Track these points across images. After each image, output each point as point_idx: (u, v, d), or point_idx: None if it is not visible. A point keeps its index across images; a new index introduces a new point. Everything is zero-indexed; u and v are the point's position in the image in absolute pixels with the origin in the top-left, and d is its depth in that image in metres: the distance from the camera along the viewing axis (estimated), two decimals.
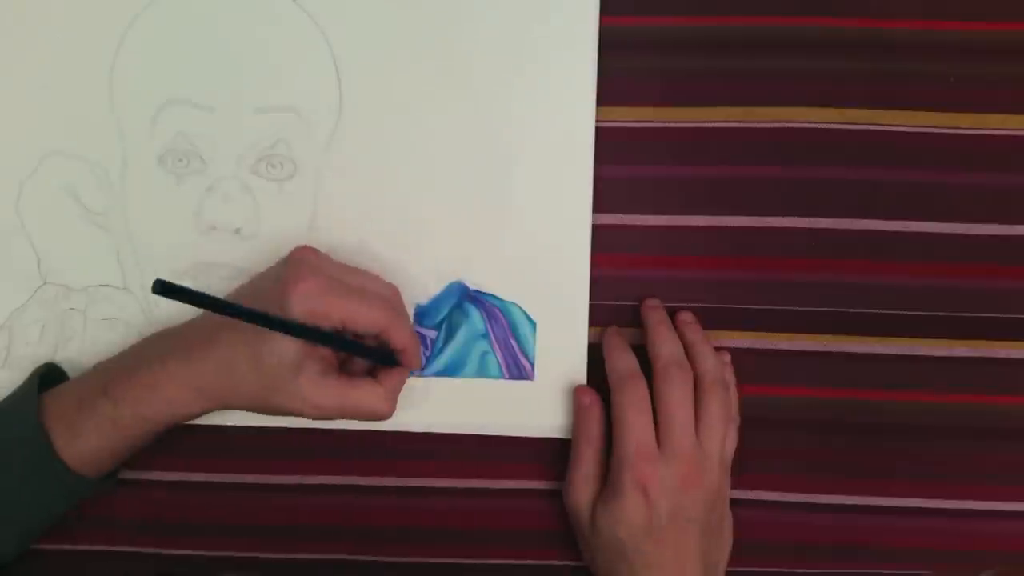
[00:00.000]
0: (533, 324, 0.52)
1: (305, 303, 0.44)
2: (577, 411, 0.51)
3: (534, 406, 0.52)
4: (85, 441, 0.45)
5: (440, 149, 0.52)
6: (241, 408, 0.47)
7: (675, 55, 0.53)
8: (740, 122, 0.53)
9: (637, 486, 0.46)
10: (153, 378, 0.45)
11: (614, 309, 0.52)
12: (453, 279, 0.52)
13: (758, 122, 0.53)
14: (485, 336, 0.52)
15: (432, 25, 0.52)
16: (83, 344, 0.52)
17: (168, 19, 0.52)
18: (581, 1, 0.52)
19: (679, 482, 0.47)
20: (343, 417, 0.46)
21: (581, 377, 0.52)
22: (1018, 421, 0.52)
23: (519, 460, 0.52)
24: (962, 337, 0.52)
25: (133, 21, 0.52)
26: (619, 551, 0.47)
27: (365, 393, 0.46)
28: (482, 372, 0.52)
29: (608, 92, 0.52)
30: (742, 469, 0.51)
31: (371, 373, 0.48)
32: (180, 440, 0.51)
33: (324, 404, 0.45)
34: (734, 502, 0.51)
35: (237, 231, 0.52)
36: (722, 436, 0.48)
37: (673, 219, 0.53)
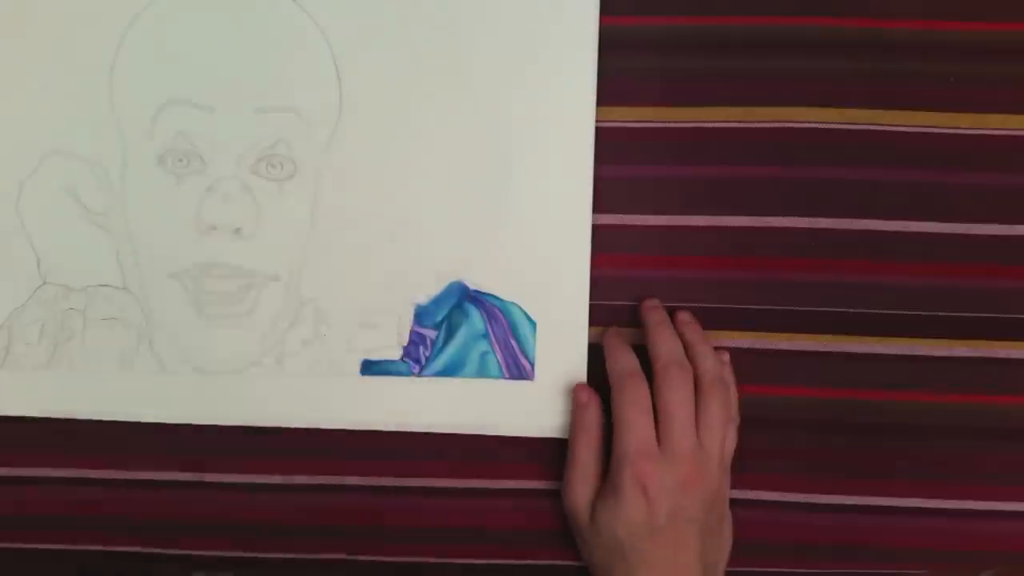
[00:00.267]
0: (533, 324, 0.52)
1: None
2: (575, 409, 0.51)
3: (534, 406, 0.52)
4: None
5: (440, 149, 0.52)
6: None
7: (675, 55, 0.53)
8: (740, 122, 0.53)
9: (637, 485, 0.46)
10: None
11: (614, 309, 0.52)
12: (453, 279, 0.52)
13: (758, 122, 0.53)
14: (485, 336, 0.52)
15: (432, 25, 0.52)
16: (83, 344, 0.52)
17: (168, 19, 0.52)
18: (581, 1, 0.52)
19: (679, 482, 0.47)
20: None
21: (581, 377, 0.52)
22: (1018, 421, 0.52)
23: (519, 460, 0.52)
24: (962, 337, 0.52)
25: (133, 21, 0.52)
26: (618, 550, 0.47)
27: None
28: (482, 372, 0.52)
29: (608, 92, 0.52)
30: (742, 469, 0.51)
31: None
32: (178, 440, 0.51)
33: None
34: (734, 502, 0.51)
35: (237, 231, 0.52)
36: (722, 436, 0.48)
37: (673, 219, 0.53)
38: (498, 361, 0.52)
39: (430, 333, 0.52)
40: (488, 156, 0.52)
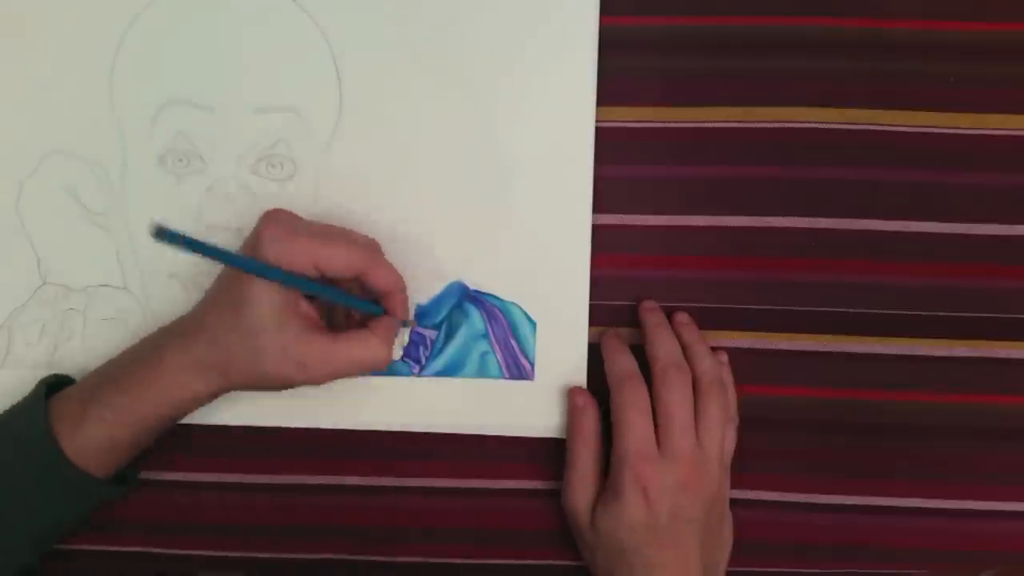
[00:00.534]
0: (533, 324, 0.52)
1: (274, 245, 0.44)
2: (571, 412, 0.51)
3: (534, 406, 0.52)
4: (90, 438, 0.45)
5: (440, 149, 0.52)
6: (240, 385, 0.46)
7: (675, 55, 0.53)
8: (740, 122, 0.53)
9: (637, 487, 0.46)
10: (152, 368, 0.46)
11: (614, 309, 0.52)
12: (453, 279, 0.52)
13: (758, 122, 0.53)
14: (485, 336, 0.52)
15: (432, 25, 0.52)
16: (83, 344, 0.52)
17: (168, 19, 0.52)
18: (581, 1, 0.52)
19: (679, 483, 0.47)
20: (340, 374, 0.46)
21: (581, 377, 0.52)
22: (1018, 421, 0.52)
23: (519, 460, 0.52)
24: (962, 337, 0.52)
25: (133, 21, 0.52)
26: (619, 552, 0.47)
27: (355, 342, 0.46)
28: (482, 372, 0.52)
29: (608, 92, 0.52)
30: (742, 469, 0.51)
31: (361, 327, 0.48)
32: (179, 440, 0.51)
33: (312, 361, 0.45)
34: (734, 502, 0.51)
35: (237, 231, 0.52)
36: (721, 436, 0.48)
37: (673, 219, 0.53)
38: (498, 361, 0.52)
39: (430, 333, 0.52)
40: (488, 156, 0.52)
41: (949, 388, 0.52)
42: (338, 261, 0.45)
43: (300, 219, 0.47)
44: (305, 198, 0.52)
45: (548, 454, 0.52)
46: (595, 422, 0.50)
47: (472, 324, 0.52)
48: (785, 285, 0.53)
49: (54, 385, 0.48)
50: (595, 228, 0.52)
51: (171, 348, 0.46)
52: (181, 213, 0.52)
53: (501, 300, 0.52)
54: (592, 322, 0.52)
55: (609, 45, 0.52)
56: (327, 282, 0.46)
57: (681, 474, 0.47)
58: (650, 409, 0.48)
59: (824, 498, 0.52)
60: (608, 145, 0.52)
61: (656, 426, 0.47)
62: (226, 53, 0.52)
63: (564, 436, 0.52)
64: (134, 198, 0.52)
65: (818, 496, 0.52)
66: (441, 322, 0.52)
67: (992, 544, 0.52)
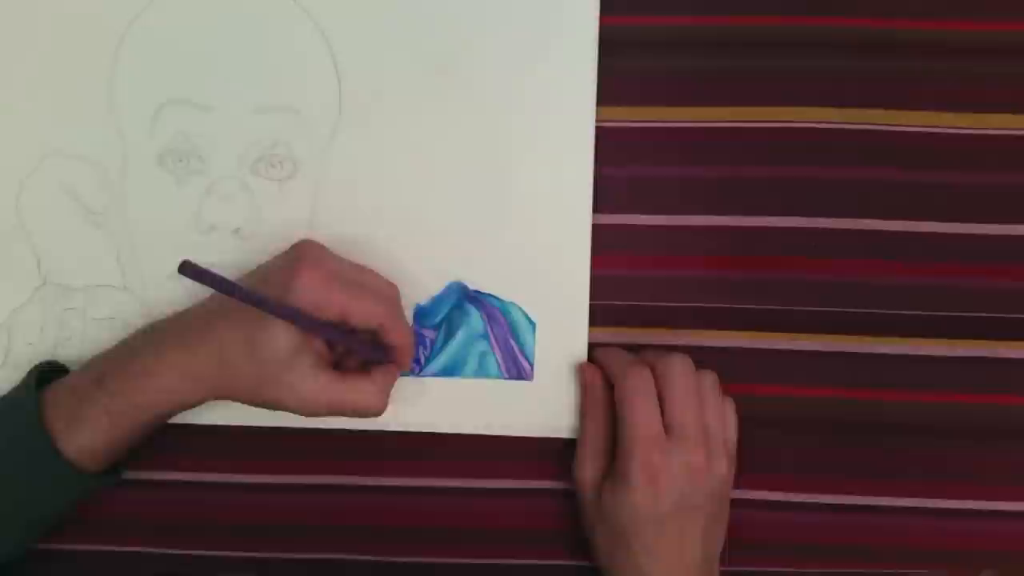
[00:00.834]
0: (533, 324, 0.52)
1: (308, 294, 0.44)
2: (581, 388, 0.51)
3: (533, 406, 0.52)
4: (83, 434, 0.45)
5: (440, 149, 0.52)
6: (235, 399, 0.47)
7: (675, 55, 0.53)
8: (740, 122, 0.53)
9: (646, 474, 0.46)
10: (149, 367, 0.46)
11: (614, 309, 0.52)
12: (453, 279, 0.52)
13: (758, 122, 0.53)
14: (484, 336, 0.52)
15: (432, 25, 0.52)
16: (83, 344, 0.52)
17: (168, 19, 0.52)
18: (581, 1, 0.52)
19: (688, 466, 0.46)
20: (333, 412, 0.46)
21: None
22: (1019, 421, 0.52)
23: (519, 460, 0.52)
24: (962, 337, 0.52)
25: (133, 21, 0.52)
26: (621, 536, 0.47)
27: (356, 388, 0.47)
28: (481, 372, 0.52)
29: (608, 92, 0.52)
30: (742, 469, 0.51)
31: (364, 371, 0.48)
32: (180, 439, 0.51)
33: (315, 398, 0.46)
34: (734, 502, 0.51)
35: (237, 231, 0.52)
36: (723, 415, 0.48)
37: (673, 219, 0.53)
38: (497, 361, 0.52)
39: (430, 333, 0.52)
40: (488, 156, 0.52)
41: (949, 388, 0.52)
42: (364, 315, 0.46)
43: (332, 260, 0.48)
44: (305, 198, 0.52)
45: (548, 454, 0.52)
46: (605, 398, 0.50)
47: (472, 324, 0.52)
48: (785, 285, 0.52)
49: (46, 372, 0.48)
50: (595, 228, 0.52)
51: (170, 355, 0.46)
52: (180, 213, 0.52)
53: (501, 300, 0.52)
54: (592, 322, 0.52)
55: (609, 45, 0.52)
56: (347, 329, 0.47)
57: (689, 456, 0.46)
58: (655, 393, 0.48)
59: (824, 498, 0.52)
60: (608, 145, 0.52)
61: (662, 409, 0.47)
62: (226, 53, 0.52)
63: (564, 436, 0.52)
64: (134, 198, 0.52)
65: (818, 496, 0.52)
66: (441, 322, 0.52)
67: (992, 544, 0.52)
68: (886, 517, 0.52)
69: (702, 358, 0.50)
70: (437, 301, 0.52)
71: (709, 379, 0.49)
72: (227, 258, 0.51)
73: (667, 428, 0.47)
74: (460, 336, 0.52)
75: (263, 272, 0.48)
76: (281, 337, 0.45)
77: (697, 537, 0.47)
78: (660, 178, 0.53)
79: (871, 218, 0.52)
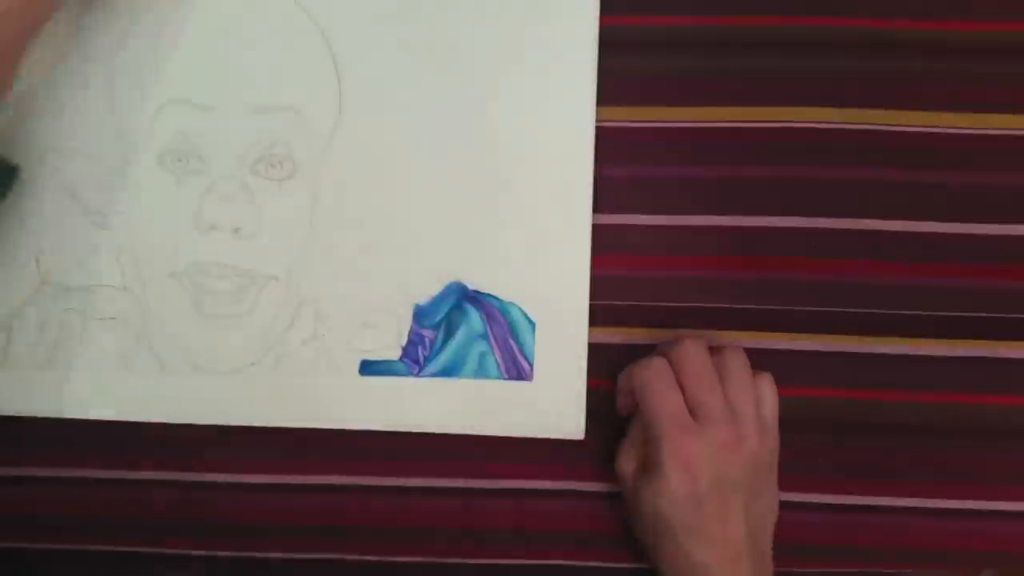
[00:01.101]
0: (532, 324, 0.52)
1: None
2: (621, 393, 0.51)
3: (533, 406, 0.52)
4: None
5: (440, 149, 0.52)
6: None
7: (675, 55, 0.53)
8: (740, 122, 0.53)
9: (678, 461, 0.46)
10: None
11: (614, 309, 0.52)
12: (452, 279, 0.52)
13: (758, 122, 0.53)
14: (484, 336, 0.52)
15: (432, 25, 0.52)
16: (83, 344, 0.52)
17: (168, 19, 0.52)
18: (581, 1, 0.52)
19: (718, 446, 0.46)
20: None
21: (581, 377, 0.52)
22: (1018, 421, 0.52)
23: (518, 460, 0.52)
24: (962, 337, 0.52)
25: (133, 21, 0.52)
26: (663, 525, 0.47)
27: None
28: (481, 372, 0.52)
29: (608, 92, 0.52)
30: None
31: None
32: (179, 440, 0.51)
33: None
34: None
35: (236, 231, 0.52)
36: (750, 393, 0.48)
37: (673, 219, 0.53)
38: (497, 361, 0.52)
39: (429, 333, 0.52)
40: (488, 156, 0.52)
41: (949, 388, 0.52)
42: None
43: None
44: (305, 198, 0.52)
45: (547, 454, 0.52)
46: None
47: (471, 324, 0.52)
48: (785, 285, 0.52)
49: None
50: (595, 228, 0.52)
51: None
52: (180, 213, 0.52)
53: (500, 300, 0.52)
54: (592, 322, 0.52)
55: (609, 45, 0.52)
56: None
57: (719, 440, 0.46)
58: (673, 380, 0.47)
59: (824, 498, 0.52)
60: (608, 145, 0.52)
61: (685, 397, 0.47)
62: (226, 53, 0.52)
63: (563, 436, 0.52)
64: (134, 198, 0.52)
65: (818, 496, 0.52)
66: (440, 322, 0.52)
67: (992, 544, 0.52)
68: (886, 517, 0.52)
69: None
70: (436, 301, 0.52)
71: (731, 355, 0.48)
72: (227, 258, 0.52)
73: (691, 411, 0.47)
74: (459, 336, 0.52)
75: None
76: None
77: (739, 514, 0.47)
78: (660, 178, 0.53)
79: (871, 218, 0.52)
